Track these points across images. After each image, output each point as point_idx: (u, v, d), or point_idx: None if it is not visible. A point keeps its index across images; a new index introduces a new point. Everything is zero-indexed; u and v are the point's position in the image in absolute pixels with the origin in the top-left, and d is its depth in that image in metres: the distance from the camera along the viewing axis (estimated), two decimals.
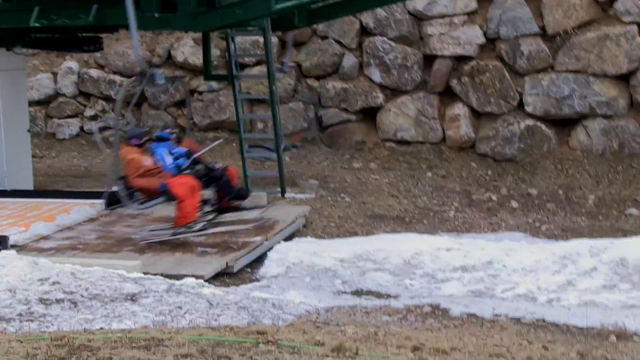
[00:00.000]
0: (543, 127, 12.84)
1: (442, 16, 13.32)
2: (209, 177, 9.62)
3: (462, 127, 13.21)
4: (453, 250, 9.08)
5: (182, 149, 9.69)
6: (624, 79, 12.52)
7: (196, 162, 9.60)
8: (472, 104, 13.21)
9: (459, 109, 13.30)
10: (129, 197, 9.27)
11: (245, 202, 10.04)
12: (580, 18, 12.61)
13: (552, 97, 12.75)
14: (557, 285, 8.31)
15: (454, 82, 13.34)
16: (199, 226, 9.40)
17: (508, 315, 7.79)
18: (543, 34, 12.88)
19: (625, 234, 9.96)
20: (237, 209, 9.93)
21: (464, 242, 9.42)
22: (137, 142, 9.47)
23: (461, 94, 13.29)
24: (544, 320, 7.65)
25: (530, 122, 12.89)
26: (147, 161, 9.43)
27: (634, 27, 12.36)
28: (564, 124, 12.86)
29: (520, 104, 13.01)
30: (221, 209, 9.79)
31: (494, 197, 11.98)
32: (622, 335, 7.17)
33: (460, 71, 13.28)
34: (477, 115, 13.28)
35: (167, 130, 9.96)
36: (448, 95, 13.46)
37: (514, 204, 11.73)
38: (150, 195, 9.39)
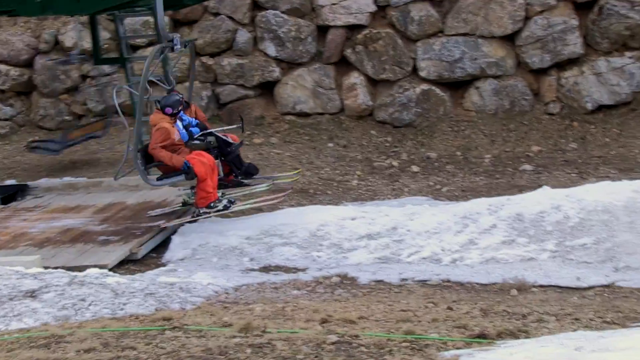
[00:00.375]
0: (438, 90, 13.06)
1: None
2: (222, 150, 9.36)
3: (360, 96, 13.31)
4: (358, 219, 9.16)
5: (192, 119, 9.40)
6: (509, 39, 12.85)
7: (208, 133, 9.36)
8: (368, 72, 13.31)
9: (355, 78, 13.37)
10: (145, 171, 9.02)
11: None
12: None
13: (444, 61, 12.97)
14: (460, 245, 8.50)
15: (348, 52, 13.39)
16: (221, 205, 9.18)
17: (415, 279, 7.96)
18: None
19: (521, 189, 10.26)
20: (241, 184, 9.69)
21: (368, 210, 9.50)
22: (171, 111, 9.10)
23: (356, 63, 13.36)
24: (449, 281, 7.85)
25: (425, 86, 13.08)
26: (176, 135, 9.10)
27: None
28: (458, 86, 13.12)
29: (415, 70, 13.18)
30: (224, 185, 9.53)
31: (395, 163, 12.14)
32: (522, 287, 7.43)
33: (354, 40, 13.33)
34: (373, 83, 13.39)
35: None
36: (344, 65, 13.50)
37: (415, 168, 11.92)
38: (168, 170, 9.10)
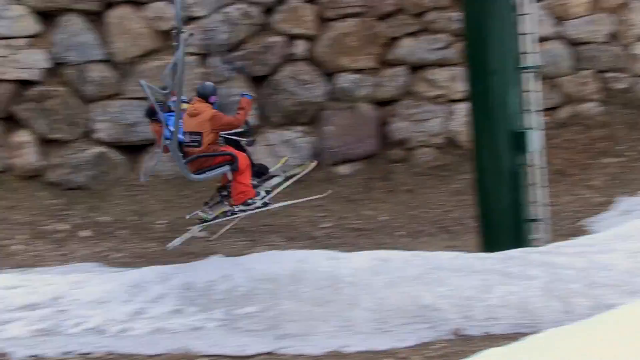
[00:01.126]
0: (113, 153, 12.82)
1: (2, 38, 12.62)
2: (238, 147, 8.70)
3: (29, 155, 12.62)
4: (18, 288, 8.56)
5: None
6: None
7: None
8: (40, 131, 12.69)
9: (24, 136, 12.69)
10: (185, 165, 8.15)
11: None
12: (146, 47, 12.88)
13: (121, 124, 12.80)
14: (127, 315, 8.26)
15: (19, 108, 12.68)
16: (259, 202, 8.58)
17: (77, 352, 7.60)
18: (110, 60, 12.87)
19: (194, 257, 10.30)
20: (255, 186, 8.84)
21: (30, 278, 8.97)
22: (214, 99, 8.49)
23: (27, 121, 12.68)
24: (113, 353, 7.57)
25: (100, 148, 12.78)
26: None
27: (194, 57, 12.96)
28: (134, 150, 12.97)
29: (90, 131, 12.83)
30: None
31: (63, 227, 11.65)
32: (188, 357, 7.38)
33: (25, 97, 12.68)
34: (45, 142, 12.79)
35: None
36: (12, 121, 12.76)
37: (85, 233, 11.57)
38: (206, 165, 8.38)
